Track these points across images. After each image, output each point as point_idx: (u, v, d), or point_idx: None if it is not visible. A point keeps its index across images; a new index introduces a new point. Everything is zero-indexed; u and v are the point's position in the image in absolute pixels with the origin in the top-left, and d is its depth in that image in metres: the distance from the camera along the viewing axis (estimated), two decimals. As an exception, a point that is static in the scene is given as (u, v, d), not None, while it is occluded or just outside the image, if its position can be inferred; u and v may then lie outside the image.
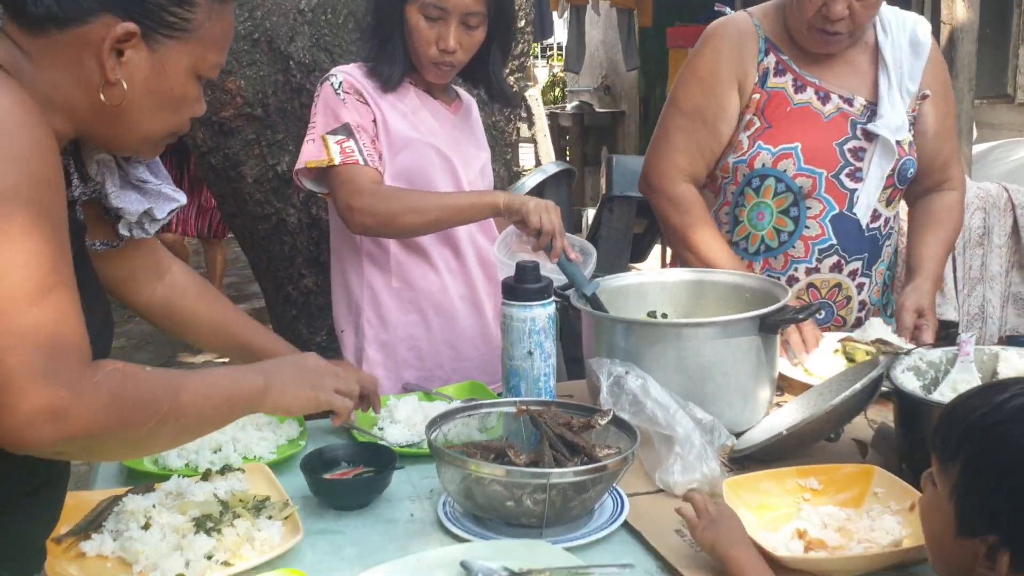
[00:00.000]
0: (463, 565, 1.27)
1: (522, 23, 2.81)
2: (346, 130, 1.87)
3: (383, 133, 1.91)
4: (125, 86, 1.15)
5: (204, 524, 1.35)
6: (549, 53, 13.23)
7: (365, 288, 2.04)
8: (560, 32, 8.28)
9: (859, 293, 2.08)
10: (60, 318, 1.03)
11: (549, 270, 1.78)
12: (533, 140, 5.46)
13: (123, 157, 1.35)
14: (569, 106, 8.49)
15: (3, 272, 0.99)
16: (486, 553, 1.30)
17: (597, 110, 8.35)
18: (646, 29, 7.10)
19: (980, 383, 1.53)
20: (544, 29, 7.67)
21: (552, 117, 8.50)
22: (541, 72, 13.80)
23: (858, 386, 1.49)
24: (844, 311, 2.09)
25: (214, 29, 1.21)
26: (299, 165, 1.93)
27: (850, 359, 1.83)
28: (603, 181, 2.79)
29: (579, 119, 8.07)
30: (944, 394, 1.52)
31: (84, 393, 1.02)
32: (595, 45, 8.72)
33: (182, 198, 1.46)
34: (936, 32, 2.33)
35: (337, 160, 1.85)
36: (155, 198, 1.42)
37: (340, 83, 1.90)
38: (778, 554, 1.23)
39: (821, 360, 1.87)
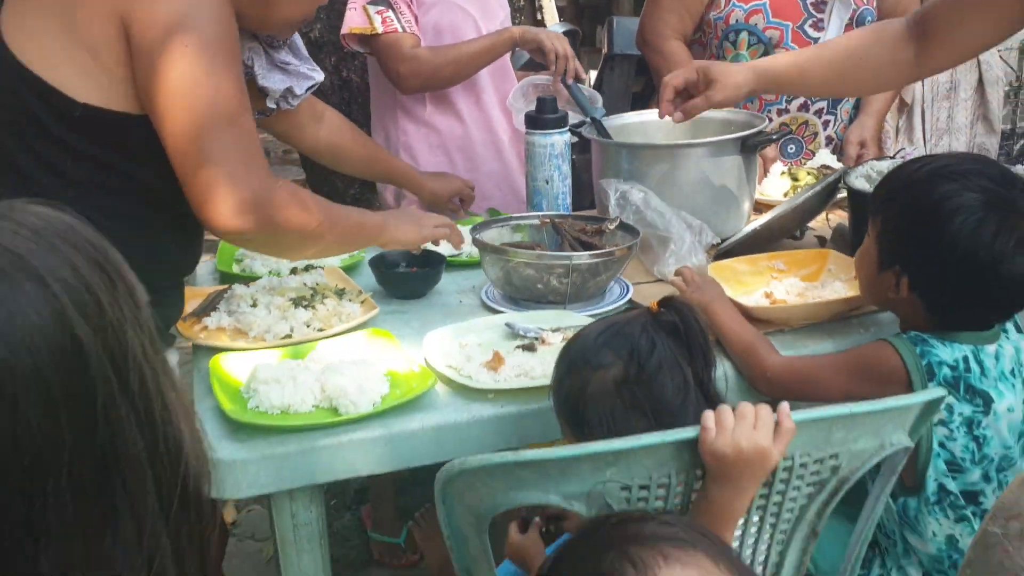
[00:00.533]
0: (507, 325, 1.65)
1: None
2: (385, 1, 2.16)
3: None
4: None
5: (300, 302, 1.72)
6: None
7: (400, 135, 2.37)
8: None
9: (825, 129, 2.41)
10: (251, 136, 1.39)
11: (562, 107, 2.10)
12: (539, 5, 5.68)
13: (269, 44, 1.67)
14: (563, -15, 8.55)
15: (217, 96, 1.33)
16: (523, 319, 1.67)
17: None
18: None
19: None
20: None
21: (546, -5, 8.61)
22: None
23: (818, 187, 1.85)
24: (812, 145, 2.42)
25: None
26: (344, 30, 2.22)
27: (794, 179, 2.19)
28: (604, 41, 3.05)
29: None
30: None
31: (274, 191, 1.39)
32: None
33: (320, 76, 1.80)
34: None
35: (380, 29, 2.15)
36: (296, 78, 1.75)
37: None
38: (749, 306, 1.60)
39: (771, 182, 2.22)
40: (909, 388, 1.33)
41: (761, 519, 1.01)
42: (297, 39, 1.75)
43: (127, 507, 0.64)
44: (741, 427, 0.90)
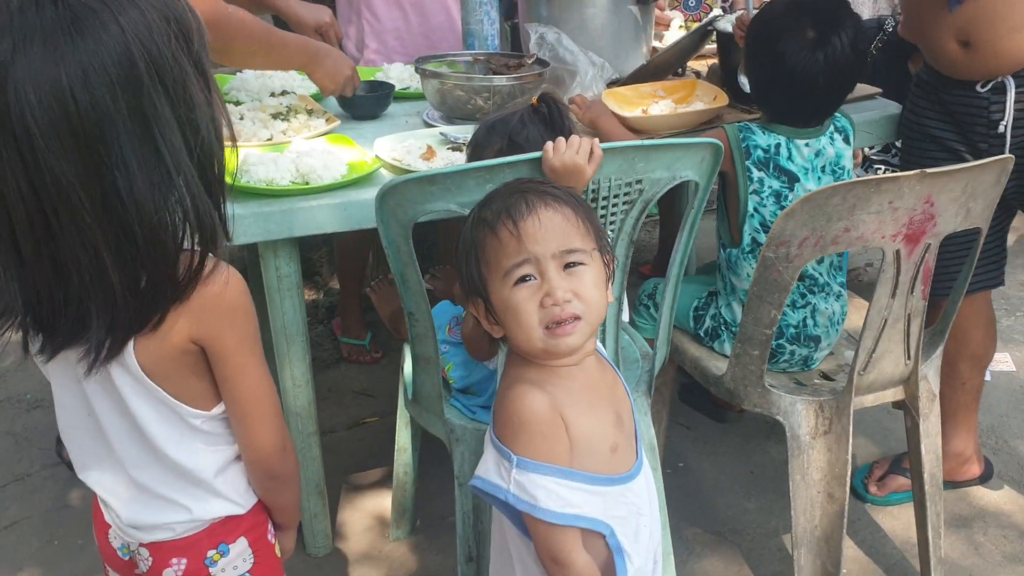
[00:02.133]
0: (441, 134, 2.11)
1: None
2: None
3: None
4: None
5: (278, 116, 2.17)
6: None
7: (363, -4, 2.77)
8: None
9: (722, -11, 2.86)
10: None
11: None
12: None
13: None
14: None
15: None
16: (455, 131, 2.13)
17: None
18: None
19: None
20: None
21: None
22: None
23: (694, 30, 2.30)
24: (710, 1, 2.86)
25: None
26: None
27: (689, 30, 2.64)
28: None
29: None
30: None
31: (228, 10, 1.80)
32: None
33: None
34: None
35: None
36: None
37: None
38: (627, 117, 2.07)
39: (670, 34, 2.67)
40: (732, 164, 1.83)
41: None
42: None
43: (171, 163, 1.01)
44: (568, 150, 1.37)
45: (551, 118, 1.59)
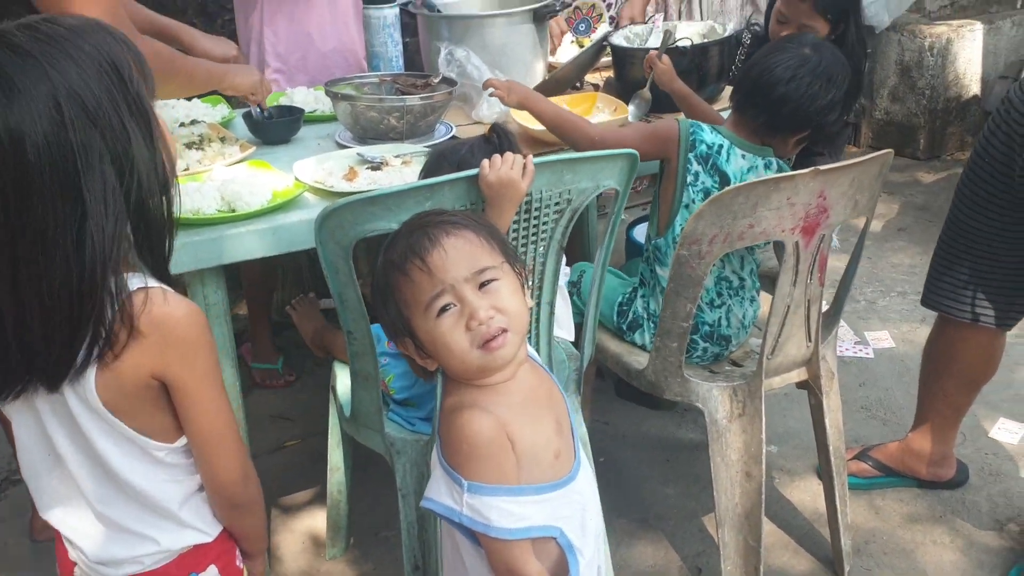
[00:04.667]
0: (358, 154, 2.16)
1: None
2: None
3: None
4: None
5: (191, 145, 2.18)
6: None
7: (266, 15, 2.77)
8: None
9: (608, 11, 3.00)
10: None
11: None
12: None
13: None
14: None
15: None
16: (370, 150, 2.18)
17: None
18: None
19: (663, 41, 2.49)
20: None
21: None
22: None
23: (588, 46, 2.43)
24: (599, 24, 3.00)
25: None
26: None
27: (581, 47, 2.78)
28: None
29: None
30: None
31: (136, 42, 1.81)
32: None
33: None
34: None
35: None
36: None
37: None
38: (535, 130, 2.17)
39: (564, 50, 2.80)
40: (677, 153, 1.94)
41: (527, 236, 1.60)
42: None
43: (139, 192, 1.06)
44: (503, 167, 1.46)
45: (501, 148, 1.65)
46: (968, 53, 4.60)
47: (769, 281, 2.17)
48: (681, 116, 2.02)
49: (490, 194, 1.46)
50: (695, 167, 1.93)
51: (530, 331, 1.71)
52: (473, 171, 1.47)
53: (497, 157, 1.46)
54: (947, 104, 4.66)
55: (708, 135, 1.95)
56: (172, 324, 1.10)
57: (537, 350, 1.74)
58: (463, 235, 1.22)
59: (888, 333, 3.16)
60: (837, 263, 3.22)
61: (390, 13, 2.48)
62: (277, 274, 3.18)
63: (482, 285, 1.19)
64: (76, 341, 1.05)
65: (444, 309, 1.18)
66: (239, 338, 3.30)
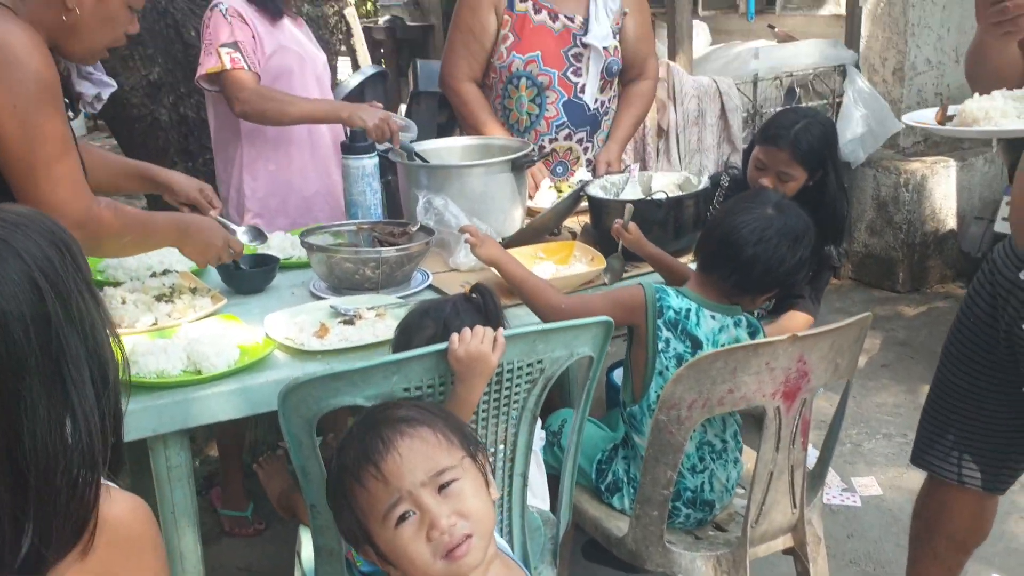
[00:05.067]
0: (332, 307, 2.12)
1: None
2: (234, 45, 2.59)
3: (259, 43, 2.65)
4: (78, 12, 1.82)
5: (162, 298, 2.14)
6: (360, -32, 13.65)
7: (243, 161, 2.79)
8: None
9: (585, 154, 3.03)
10: (77, 167, 1.79)
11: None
12: (352, 49, 6.13)
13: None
14: (381, 20, 9.06)
15: (47, 139, 1.71)
16: (344, 302, 2.15)
17: (408, 23, 8.97)
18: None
19: (641, 194, 2.50)
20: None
21: (366, 31, 9.11)
22: (353, -13, 14.22)
23: (566, 196, 2.43)
24: (576, 167, 3.03)
25: None
26: (200, 72, 2.63)
27: (559, 191, 2.79)
28: (411, 80, 3.58)
29: (392, 32, 8.66)
30: (622, 198, 2.49)
31: (96, 211, 1.80)
32: (403, -38, 9.34)
33: (114, 84, 2.20)
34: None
35: (228, 66, 2.57)
36: (100, 86, 2.15)
37: (226, 9, 2.61)
38: (513, 283, 2.15)
39: (542, 194, 2.81)
40: (645, 320, 1.90)
41: (498, 407, 1.55)
42: None
43: (75, 397, 0.99)
44: (473, 341, 1.42)
45: (484, 307, 1.64)
46: (943, 189, 4.68)
47: (754, 420, 2.11)
48: (646, 280, 1.99)
49: (459, 369, 1.42)
50: (665, 333, 1.90)
51: (499, 515, 1.64)
52: (442, 345, 1.43)
53: (467, 331, 1.43)
54: (925, 238, 4.72)
55: (675, 300, 1.92)
56: (115, 524, 1.03)
57: (509, 526, 1.66)
58: (419, 434, 1.17)
59: (875, 479, 3.08)
60: (824, 403, 3.19)
61: (369, 163, 2.49)
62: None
63: (442, 488, 1.14)
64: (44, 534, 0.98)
65: (403, 518, 1.12)
66: (210, 481, 3.21)
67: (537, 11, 2.89)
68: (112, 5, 1.86)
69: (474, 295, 1.69)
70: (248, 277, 2.30)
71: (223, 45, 2.58)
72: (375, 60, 8.95)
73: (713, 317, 1.93)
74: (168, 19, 3.26)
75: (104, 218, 1.86)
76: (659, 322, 1.89)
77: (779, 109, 4.58)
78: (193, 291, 2.21)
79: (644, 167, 4.17)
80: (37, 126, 1.71)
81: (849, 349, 1.84)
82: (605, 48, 2.91)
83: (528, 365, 1.52)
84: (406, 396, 1.45)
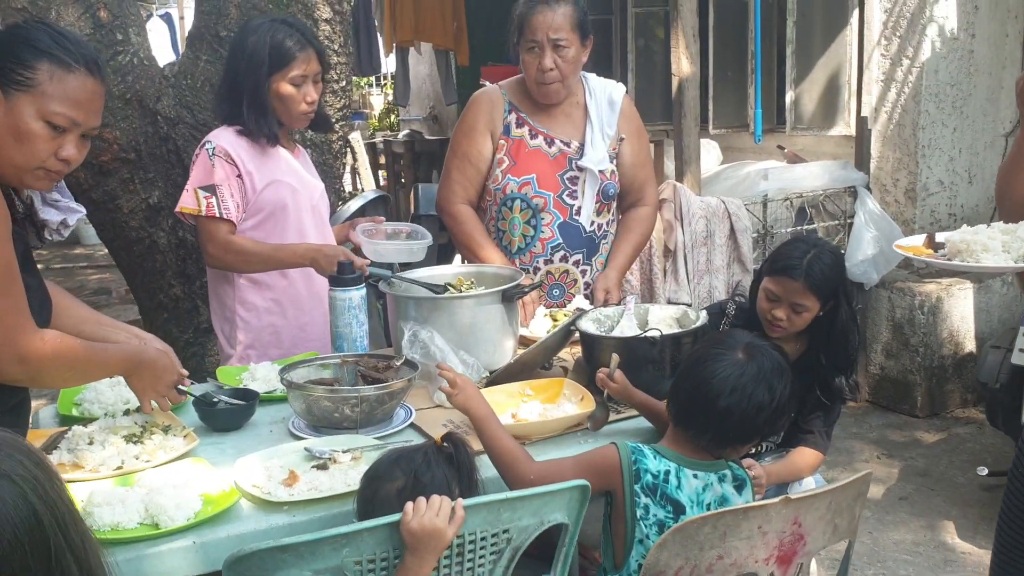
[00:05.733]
0: (307, 449, 2.03)
1: (342, 59, 3.53)
2: (211, 188, 2.58)
3: (248, 179, 2.62)
4: None
5: (131, 438, 2.06)
6: (384, 82, 14.01)
7: (236, 291, 2.75)
8: (392, 66, 9.06)
9: (583, 277, 2.97)
10: (19, 301, 1.74)
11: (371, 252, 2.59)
12: (356, 171, 6.27)
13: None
14: (401, 134, 9.25)
15: None
16: (321, 443, 2.06)
17: (426, 137, 9.14)
18: (463, 68, 8.01)
19: (637, 328, 2.42)
20: (373, 65, 8.49)
21: (386, 144, 9.28)
22: (377, 100, 14.56)
23: (556, 330, 2.35)
24: (573, 290, 2.96)
25: (57, 87, 1.76)
26: (177, 208, 2.63)
27: (554, 319, 2.71)
28: (412, 203, 3.58)
29: (411, 146, 8.83)
30: (616, 334, 2.40)
31: (39, 347, 1.74)
32: (422, 79, 9.57)
33: (83, 210, 2.17)
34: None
35: (203, 212, 2.57)
36: (66, 212, 2.13)
37: (213, 149, 2.61)
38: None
39: (536, 322, 2.74)
40: (621, 485, 1.78)
41: (460, 580, 1.44)
42: (63, 183, 2.10)
43: None
44: (427, 512, 1.32)
45: (457, 459, 1.55)
46: (960, 311, 4.57)
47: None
48: (621, 439, 1.85)
49: (411, 542, 1.31)
50: (643, 499, 1.77)
51: None
52: (395, 517, 1.33)
53: (422, 501, 1.33)
54: (943, 361, 4.58)
55: (652, 462, 1.79)
56: None
57: None
58: None
59: (894, 628, 2.89)
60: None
61: (356, 295, 2.44)
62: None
63: None
64: None
65: None
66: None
67: (533, 136, 2.88)
68: (22, 119, 1.75)
69: (446, 444, 1.60)
70: (225, 415, 2.22)
71: (201, 187, 2.58)
72: (394, 173, 9.11)
73: (695, 476, 1.80)
74: (169, 144, 3.29)
75: (46, 354, 1.79)
76: (636, 487, 1.76)
77: (790, 230, 4.54)
78: (166, 430, 2.12)
79: (651, 288, 4.10)
80: None
81: (849, 509, 1.72)
82: (601, 171, 2.89)
83: (493, 535, 1.42)
84: (358, 569, 1.34)
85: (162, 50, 10.87)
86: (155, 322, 3.50)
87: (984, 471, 3.71)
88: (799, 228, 4.55)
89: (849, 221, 4.60)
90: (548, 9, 2.77)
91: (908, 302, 4.55)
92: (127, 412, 2.21)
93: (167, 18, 12.15)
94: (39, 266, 2.22)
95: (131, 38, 3.29)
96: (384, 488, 1.54)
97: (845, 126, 5.20)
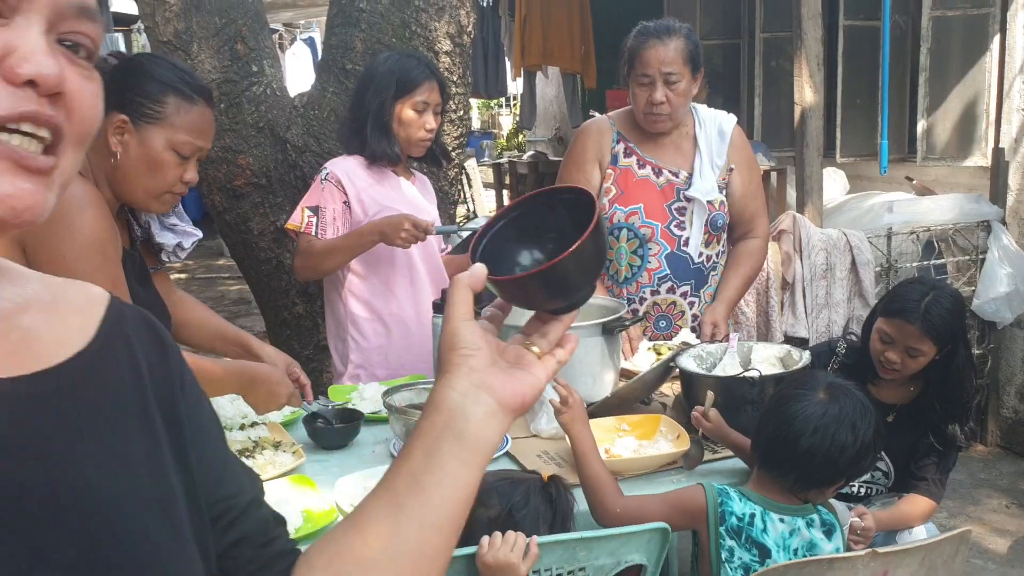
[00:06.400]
0: (404, 472, 2.11)
1: (460, 89, 3.64)
2: (315, 210, 2.73)
3: (359, 206, 2.75)
4: (119, 155, 1.89)
5: (244, 453, 2.19)
6: (513, 103, 14.24)
7: (348, 314, 2.88)
8: (520, 88, 9.22)
9: (691, 308, 2.95)
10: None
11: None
12: (472, 198, 6.41)
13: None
14: (526, 155, 9.38)
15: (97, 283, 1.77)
16: (418, 467, 2.13)
17: (550, 158, 9.25)
18: (591, 90, 8.06)
19: (739, 366, 2.39)
20: (499, 88, 8.66)
21: (511, 164, 9.43)
22: (506, 120, 14.84)
23: (657, 365, 2.36)
24: (680, 322, 2.95)
25: (183, 119, 1.92)
26: (287, 223, 2.79)
27: (658, 353, 2.71)
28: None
29: (535, 167, 8.94)
30: (718, 373, 2.39)
31: None
32: (549, 100, 9.67)
33: (200, 233, 2.32)
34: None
35: (302, 228, 2.72)
36: (182, 235, 2.27)
37: (327, 175, 2.76)
38: (590, 459, 2.08)
39: (640, 355, 2.74)
40: (706, 526, 1.78)
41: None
42: (180, 208, 2.24)
43: None
44: (502, 547, 1.36)
45: (556, 501, 1.59)
46: (1104, 354, 4.29)
47: None
48: (709, 481, 1.85)
49: (486, 574, 1.35)
50: (728, 542, 1.77)
51: None
52: (472, 549, 1.38)
53: (498, 536, 1.37)
54: (1083, 407, 4.30)
55: (738, 505, 1.79)
56: None
57: None
58: None
59: None
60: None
61: (458, 323, 2.51)
62: None
63: None
64: None
65: None
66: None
67: (641, 166, 2.90)
68: (154, 149, 1.91)
69: (550, 485, 1.63)
70: (330, 434, 2.32)
71: (308, 207, 2.73)
72: (517, 192, 9.26)
73: (782, 520, 1.78)
74: (297, 171, 3.46)
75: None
76: (721, 529, 1.76)
77: (916, 264, 4.37)
78: (276, 446, 2.25)
79: (767, 321, 4.03)
80: (84, 274, 1.80)
81: (945, 567, 1.66)
82: (710, 202, 2.87)
83: (569, 573, 1.44)
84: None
85: (304, 73, 11.39)
86: (279, 337, 3.68)
87: (1124, 529, 3.47)
88: (926, 263, 4.37)
89: (981, 257, 4.38)
90: (660, 43, 2.79)
91: (1045, 343, 4.30)
92: (242, 428, 2.35)
93: (310, 42, 12.73)
94: (183, 275, 2.41)
95: (265, 70, 3.50)
96: (478, 512, 1.57)
97: (981, 157, 4.96)
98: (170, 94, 1.92)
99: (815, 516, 1.81)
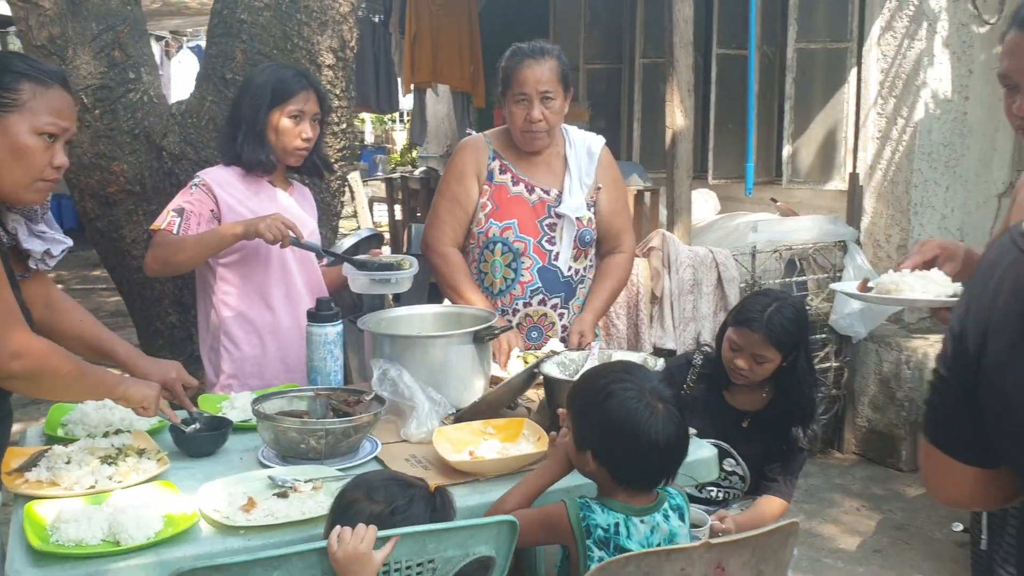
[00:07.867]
0: (270, 478, 2.13)
1: (343, 102, 3.68)
2: (179, 211, 2.74)
3: (230, 215, 2.75)
4: None
5: (106, 460, 2.17)
6: (406, 119, 14.31)
7: (221, 323, 2.87)
8: (411, 104, 9.28)
9: (560, 320, 3.06)
10: (10, 302, 1.86)
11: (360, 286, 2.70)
12: (355, 211, 6.44)
13: (28, 218, 2.16)
14: (417, 171, 9.44)
15: None
16: (285, 472, 2.16)
17: (442, 174, 9.32)
18: (479, 109, 8.20)
19: (600, 372, 2.51)
20: (392, 104, 8.71)
21: (403, 179, 9.48)
22: (399, 135, 14.88)
23: (522, 372, 2.45)
24: (551, 332, 3.06)
25: (41, 102, 1.93)
26: (152, 225, 2.79)
27: (525, 361, 2.81)
28: (405, 242, 3.71)
29: (426, 182, 9.01)
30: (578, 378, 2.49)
31: (34, 344, 1.85)
32: (440, 118, 9.78)
33: (70, 241, 2.30)
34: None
35: (162, 226, 2.71)
36: (51, 242, 2.25)
37: (199, 182, 2.77)
38: (454, 461, 2.15)
39: (512, 364, 2.83)
40: (573, 540, 1.82)
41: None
42: (50, 216, 2.24)
43: None
44: (351, 541, 1.41)
45: (439, 509, 1.62)
46: (947, 367, 4.61)
47: None
48: (570, 495, 1.89)
49: (338, 569, 1.41)
50: (597, 553, 1.80)
51: None
52: (322, 543, 1.43)
53: (347, 530, 1.43)
54: (929, 416, 4.61)
55: (601, 516, 1.82)
56: None
57: None
58: None
59: None
60: None
61: (332, 331, 2.55)
62: None
63: None
64: None
65: None
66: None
67: (515, 183, 3.01)
68: (17, 136, 1.90)
69: (436, 495, 1.67)
70: (197, 441, 2.32)
71: (173, 209, 2.74)
72: (410, 208, 9.31)
73: (643, 521, 1.85)
74: (173, 179, 3.43)
75: (42, 350, 1.91)
76: (589, 542, 1.80)
77: (779, 281, 4.62)
78: (140, 453, 2.23)
79: (637, 333, 4.19)
80: None
81: (775, 556, 1.79)
82: (578, 219, 3.00)
83: (418, 565, 1.51)
84: (290, 591, 1.43)
85: (190, 82, 11.16)
86: (152, 347, 3.62)
87: (959, 527, 3.75)
88: (788, 280, 4.63)
89: (838, 274, 4.67)
90: (535, 63, 2.91)
91: (895, 357, 4.61)
92: (106, 435, 2.33)
93: (197, 50, 12.48)
94: (59, 286, 2.38)
95: (142, 77, 3.46)
96: (360, 506, 1.61)
97: (841, 181, 5.29)
98: (23, 80, 1.93)
99: (666, 504, 1.89)
